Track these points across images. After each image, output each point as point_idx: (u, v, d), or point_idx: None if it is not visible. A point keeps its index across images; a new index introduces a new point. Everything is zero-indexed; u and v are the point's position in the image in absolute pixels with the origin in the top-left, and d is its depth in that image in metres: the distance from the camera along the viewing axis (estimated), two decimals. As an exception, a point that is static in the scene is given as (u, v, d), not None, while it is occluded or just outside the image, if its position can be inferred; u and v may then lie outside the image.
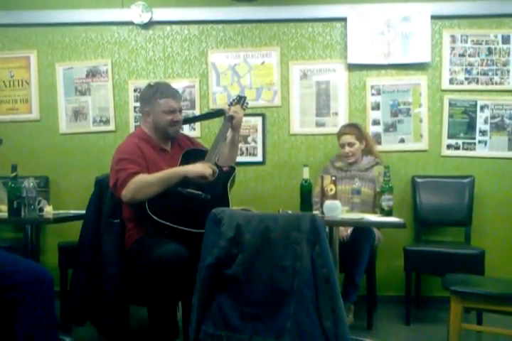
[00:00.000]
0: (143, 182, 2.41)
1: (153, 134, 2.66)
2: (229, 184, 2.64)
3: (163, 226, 2.36)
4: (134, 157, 2.51)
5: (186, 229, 2.36)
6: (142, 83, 3.84)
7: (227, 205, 2.50)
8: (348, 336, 1.88)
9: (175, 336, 2.32)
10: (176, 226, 2.36)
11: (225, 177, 2.64)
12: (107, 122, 3.91)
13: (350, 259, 2.93)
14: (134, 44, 3.91)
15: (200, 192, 2.47)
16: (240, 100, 2.90)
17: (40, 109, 3.96)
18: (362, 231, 3.00)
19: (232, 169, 2.71)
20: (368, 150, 3.46)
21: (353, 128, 3.44)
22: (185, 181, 2.49)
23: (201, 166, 2.50)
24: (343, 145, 3.39)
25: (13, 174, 2.57)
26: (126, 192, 2.40)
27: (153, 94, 2.63)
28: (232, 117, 2.76)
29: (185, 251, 2.25)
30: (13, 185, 2.54)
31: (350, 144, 3.36)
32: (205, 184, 2.52)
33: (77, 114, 3.93)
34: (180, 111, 2.68)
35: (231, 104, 2.88)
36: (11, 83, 3.98)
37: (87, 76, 3.92)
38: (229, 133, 2.79)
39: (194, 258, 2.16)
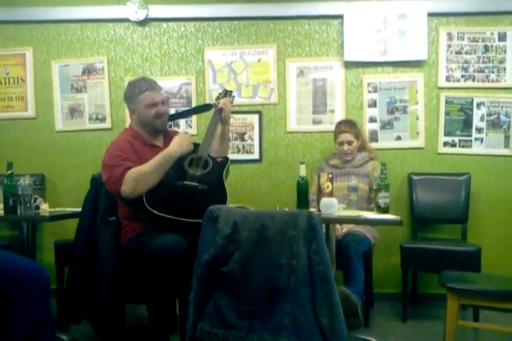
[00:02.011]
0: (140, 174, 2.42)
1: (143, 131, 2.68)
2: (224, 174, 2.65)
3: (162, 219, 2.37)
4: (125, 153, 2.52)
5: (185, 219, 2.36)
6: (138, 80, 3.85)
7: (225, 194, 2.52)
8: (344, 333, 1.88)
9: (174, 329, 2.32)
10: (175, 217, 2.37)
11: (219, 167, 2.66)
12: (103, 119, 3.90)
13: (344, 267, 2.92)
14: (130, 41, 3.90)
15: (196, 184, 2.50)
16: (227, 94, 2.93)
17: (36, 106, 3.95)
18: (353, 238, 3.00)
19: (225, 159, 2.73)
20: (361, 146, 3.47)
21: (352, 126, 3.44)
22: (182, 174, 2.51)
23: (181, 141, 2.57)
24: (341, 143, 3.38)
25: (9, 172, 2.57)
26: (126, 187, 2.41)
27: (133, 90, 2.67)
28: (221, 110, 2.78)
29: (184, 241, 2.26)
30: (8, 183, 2.53)
31: (350, 142, 3.37)
32: (201, 175, 2.54)
33: (73, 112, 3.92)
34: (163, 103, 2.68)
35: (218, 98, 2.90)
36: (7, 80, 3.96)
37: (83, 73, 3.91)
38: (219, 127, 2.80)
39: (193, 249, 2.17)
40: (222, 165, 2.68)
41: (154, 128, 2.67)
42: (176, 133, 2.87)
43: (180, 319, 2.42)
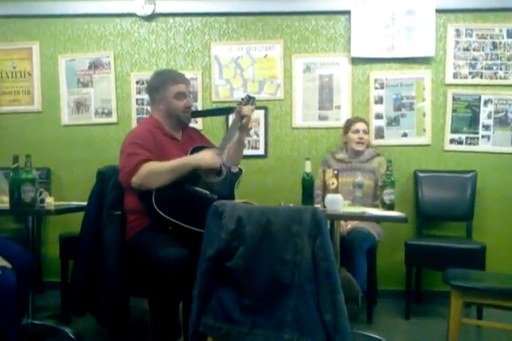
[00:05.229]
0: (154, 171, 2.40)
1: (166, 122, 2.66)
2: (236, 186, 2.61)
3: (168, 222, 2.35)
4: (146, 142, 2.49)
5: (191, 228, 2.33)
6: (145, 75, 3.85)
7: None
8: (348, 329, 1.88)
9: (177, 335, 2.31)
10: (181, 223, 2.34)
11: (232, 178, 2.61)
12: (109, 114, 3.91)
13: (347, 261, 2.92)
14: (137, 36, 3.90)
15: (207, 192, 2.46)
16: (250, 100, 2.84)
17: (43, 100, 3.96)
18: (357, 234, 3.01)
19: (240, 171, 2.68)
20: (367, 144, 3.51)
21: (364, 120, 3.54)
22: (195, 179, 2.47)
23: (210, 157, 2.49)
24: (357, 131, 3.43)
25: (15, 165, 2.57)
26: (137, 179, 2.39)
27: (163, 81, 2.64)
28: (242, 117, 2.72)
29: (188, 253, 2.23)
30: (14, 176, 2.53)
31: (365, 131, 3.44)
32: (214, 183, 2.50)
33: (80, 106, 3.92)
34: (190, 95, 2.69)
35: (241, 103, 2.81)
36: (14, 74, 3.97)
37: (90, 68, 3.91)
38: (237, 134, 2.75)
39: (195, 256, 2.13)
40: (236, 176, 2.63)
41: (179, 121, 2.66)
42: (195, 129, 2.87)
43: (184, 315, 2.42)
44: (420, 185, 3.64)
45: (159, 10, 3.82)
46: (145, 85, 3.81)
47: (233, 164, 2.72)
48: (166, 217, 2.34)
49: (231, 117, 3.59)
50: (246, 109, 2.74)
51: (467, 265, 2.82)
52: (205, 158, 2.49)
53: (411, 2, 3.68)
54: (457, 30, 3.71)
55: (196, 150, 2.62)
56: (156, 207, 2.35)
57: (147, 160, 2.43)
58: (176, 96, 2.61)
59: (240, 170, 2.69)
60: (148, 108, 3.77)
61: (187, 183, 2.45)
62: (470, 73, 3.71)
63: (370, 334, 2.77)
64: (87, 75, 3.92)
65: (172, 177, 2.41)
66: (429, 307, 3.45)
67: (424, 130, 3.74)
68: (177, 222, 2.34)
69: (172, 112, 2.63)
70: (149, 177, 2.39)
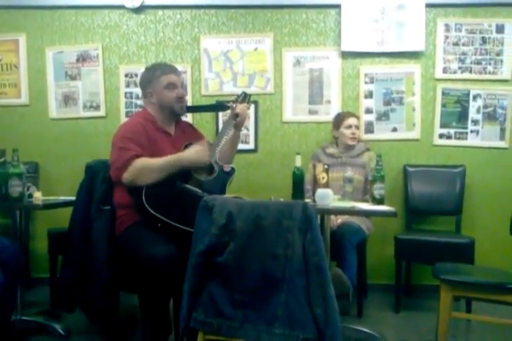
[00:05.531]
0: (145, 167, 2.38)
1: (159, 115, 2.63)
2: (227, 185, 2.59)
3: (157, 219, 2.32)
4: (137, 137, 2.47)
5: (181, 226, 2.31)
6: (133, 68, 3.82)
7: None
8: (338, 324, 1.88)
9: (168, 331, 2.31)
10: (170, 222, 2.32)
11: (224, 177, 2.59)
12: (97, 108, 3.87)
13: (337, 256, 2.92)
14: (126, 28, 3.86)
15: (198, 190, 2.44)
16: (245, 98, 2.82)
17: (30, 93, 3.91)
18: (347, 228, 3.01)
19: (232, 170, 2.65)
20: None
21: (356, 115, 3.54)
22: (186, 177, 2.45)
23: (196, 155, 2.48)
24: (350, 127, 3.41)
25: (2, 159, 2.54)
26: (128, 175, 2.37)
27: (153, 73, 2.63)
28: (237, 115, 2.71)
29: (176, 251, 2.21)
30: (1, 171, 2.50)
31: (357, 126, 3.43)
32: (205, 182, 2.48)
33: (67, 99, 3.88)
34: (182, 86, 2.67)
35: (236, 101, 2.79)
36: None
37: (78, 60, 3.87)
38: (231, 131, 2.73)
39: (184, 254, 2.11)
40: (228, 175, 2.61)
41: (173, 112, 2.63)
42: (188, 124, 2.84)
43: (175, 311, 2.41)
44: (409, 180, 3.65)
45: (148, 2, 3.78)
46: (134, 78, 3.80)
47: (227, 161, 2.70)
48: (156, 214, 2.32)
49: (221, 112, 3.60)
50: (241, 107, 2.72)
51: (456, 259, 2.85)
52: (193, 154, 2.47)
53: (401, -4, 3.68)
54: (447, 25, 3.71)
55: (188, 147, 2.60)
56: (146, 204, 2.33)
57: (139, 155, 2.41)
58: (167, 86, 2.59)
59: (233, 169, 2.67)
60: (138, 101, 3.76)
61: (178, 181, 2.43)
62: (459, 68, 3.72)
63: (361, 328, 2.77)
64: (74, 68, 3.87)
65: (164, 174, 2.39)
66: (418, 301, 3.47)
67: (414, 125, 3.75)
68: (166, 220, 2.32)
69: (164, 104, 2.61)
70: (141, 173, 2.37)
